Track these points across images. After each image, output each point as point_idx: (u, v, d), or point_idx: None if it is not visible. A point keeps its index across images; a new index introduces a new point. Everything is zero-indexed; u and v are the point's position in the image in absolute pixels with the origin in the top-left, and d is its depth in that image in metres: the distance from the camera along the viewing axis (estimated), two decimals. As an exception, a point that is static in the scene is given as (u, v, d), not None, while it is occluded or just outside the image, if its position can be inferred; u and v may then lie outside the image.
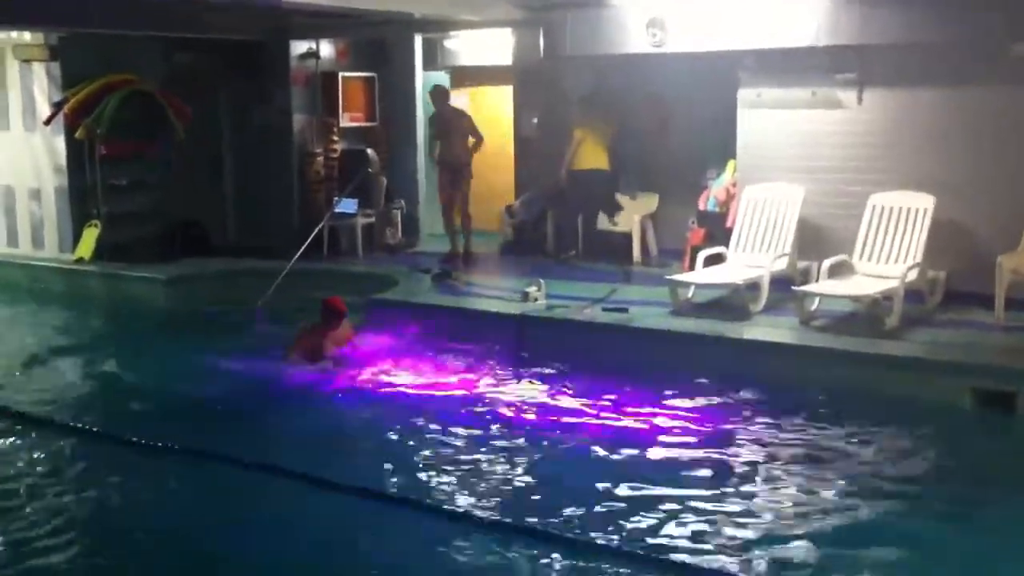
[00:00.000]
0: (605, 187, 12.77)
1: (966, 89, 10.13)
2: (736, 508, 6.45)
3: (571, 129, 12.65)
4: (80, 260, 13.49)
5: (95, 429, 8.18)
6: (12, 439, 8.08)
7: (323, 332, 9.59)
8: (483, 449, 7.50)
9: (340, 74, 14.16)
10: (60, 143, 13.67)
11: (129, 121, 13.23)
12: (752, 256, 10.58)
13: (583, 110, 12.74)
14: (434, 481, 6.99)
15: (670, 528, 6.16)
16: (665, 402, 8.37)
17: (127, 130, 13.26)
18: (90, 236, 13.51)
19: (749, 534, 6.09)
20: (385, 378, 9.19)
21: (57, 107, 13.37)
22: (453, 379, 9.11)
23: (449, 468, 7.19)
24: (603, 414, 8.18)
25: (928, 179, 10.11)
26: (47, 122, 13.61)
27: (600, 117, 12.71)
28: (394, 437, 7.88)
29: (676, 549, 5.89)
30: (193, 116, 13.71)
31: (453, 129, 13.03)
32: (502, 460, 7.29)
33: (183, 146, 13.70)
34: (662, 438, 7.65)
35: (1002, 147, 10.00)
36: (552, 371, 9.20)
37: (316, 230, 12.85)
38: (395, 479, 7.03)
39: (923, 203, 9.92)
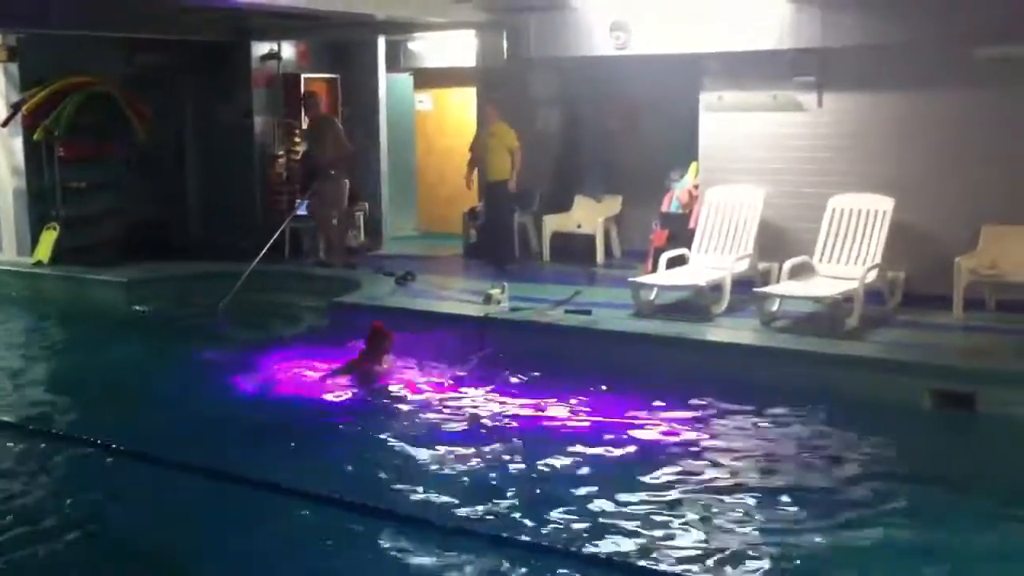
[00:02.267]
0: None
1: (926, 92, 10.23)
2: (696, 510, 6.45)
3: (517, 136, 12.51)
4: (39, 263, 13.33)
5: (52, 431, 8.07)
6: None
7: (372, 357, 9.18)
8: (442, 451, 7.44)
9: (302, 76, 14.09)
10: (18, 144, 13.51)
11: (88, 123, 13.13)
12: (714, 258, 10.63)
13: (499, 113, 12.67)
14: (394, 486, 6.93)
15: (626, 532, 6.13)
16: (627, 404, 8.35)
17: (86, 132, 13.15)
18: (48, 238, 13.36)
19: (708, 536, 6.10)
20: (345, 380, 9.14)
21: (15, 108, 13.23)
22: (415, 381, 9.06)
23: (408, 471, 7.14)
24: (565, 416, 8.16)
25: (888, 181, 10.19)
26: (4, 123, 13.45)
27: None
28: (352, 439, 7.85)
29: (631, 554, 5.87)
30: (155, 118, 13.62)
31: (321, 133, 13.08)
32: (462, 463, 7.23)
33: (144, 148, 13.60)
34: (623, 440, 7.62)
35: (961, 150, 10.10)
36: (514, 373, 9.16)
37: (278, 232, 12.77)
38: (354, 484, 6.97)
39: (883, 205, 10.01)
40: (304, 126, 13.59)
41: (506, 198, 12.60)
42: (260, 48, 13.97)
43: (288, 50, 14.18)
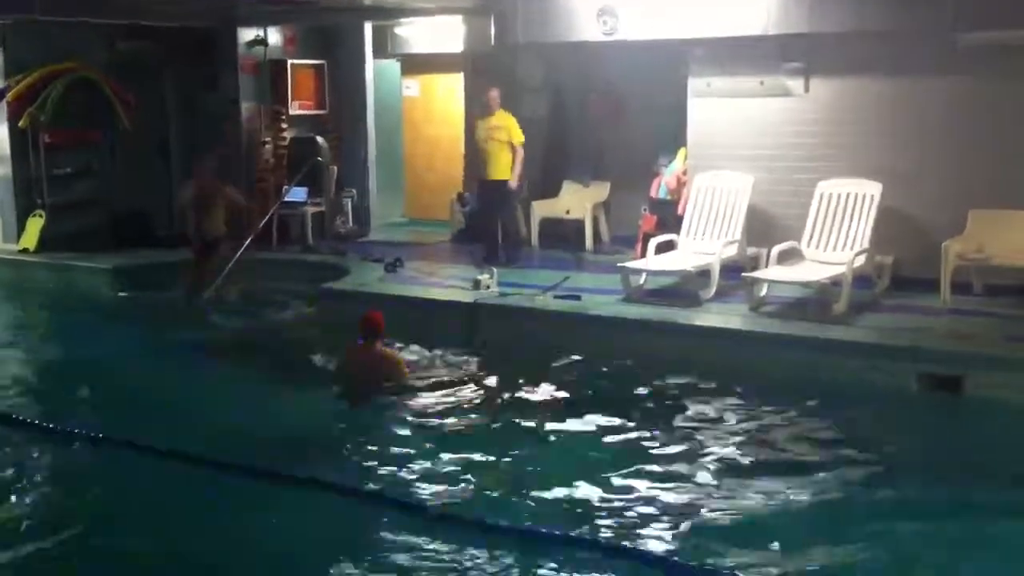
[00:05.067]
0: None
1: (913, 78, 10.24)
2: (684, 493, 6.48)
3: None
4: (25, 250, 13.29)
5: (39, 422, 8.03)
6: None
7: (369, 353, 8.43)
8: (432, 440, 7.45)
9: (289, 61, 14.04)
10: (3, 132, 13.44)
11: (73, 110, 13.06)
12: (703, 243, 10.65)
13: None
14: (387, 473, 6.93)
15: (615, 516, 6.16)
16: (615, 389, 8.39)
17: (71, 119, 13.09)
18: (34, 226, 13.31)
19: (697, 518, 6.14)
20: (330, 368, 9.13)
21: (0, 95, 13.15)
22: (405, 368, 9.03)
23: (398, 459, 7.15)
24: (555, 402, 8.18)
25: (875, 166, 10.22)
26: (-10, 110, 13.40)
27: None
28: (343, 427, 7.87)
29: (628, 537, 5.90)
30: (139, 104, 13.57)
31: (210, 201, 11.55)
32: (451, 452, 7.22)
33: (129, 135, 13.55)
34: (614, 426, 7.64)
35: (948, 135, 10.13)
36: (503, 358, 9.17)
37: (265, 219, 12.74)
38: (345, 471, 6.97)
39: (870, 190, 10.03)
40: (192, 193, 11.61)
41: (512, 198, 11.97)
42: (246, 34, 13.90)
43: (274, 36, 14.11)
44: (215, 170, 11.74)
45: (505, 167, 11.65)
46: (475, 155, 11.89)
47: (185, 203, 11.75)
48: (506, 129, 11.63)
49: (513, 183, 11.71)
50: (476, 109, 12.35)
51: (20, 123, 13.00)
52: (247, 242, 12.02)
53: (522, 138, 11.67)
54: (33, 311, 12.29)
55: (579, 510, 6.27)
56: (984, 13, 9.62)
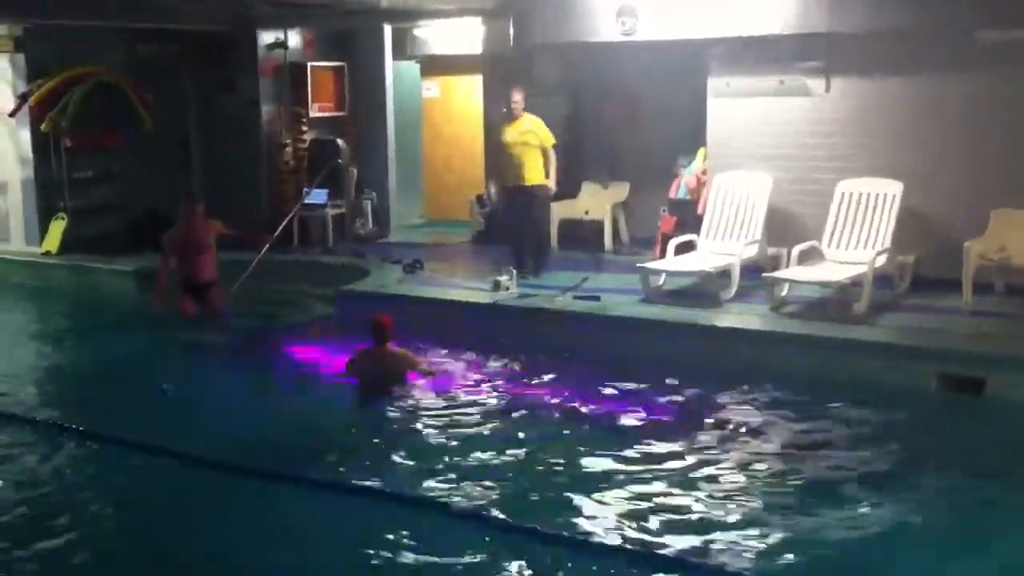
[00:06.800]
0: None
1: (933, 76, 10.19)
2: (704, 495, 6.47)
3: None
4: (47, 253, 13.38)
5: (65, 423, 8.08)
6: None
7: (382, 355, 8.63)
8: (454, 440, 7.46)
9: (309, 64, 14.07)
10: (26, 135, 13.53)
11: (94, 113, 13.13)
12: (722, 243, 10.62)
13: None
14: (411, 473, 6.95)
15: (642, 518, 6.15)
16: (637, 390, 8.37)
17: (92, 122, 13.16)
18: (57, 229, 13.40)
19: (716, 520, 6.12)
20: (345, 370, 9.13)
21: (22, 99, 13.25)
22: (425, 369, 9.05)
23: (419, 459, 7.16)
24: (574, 403, 8.18)
25: (896, 165, 10.17)
26: (12, 114, 13.48)
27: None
28: (363, 428, 7.88)
29: (648, 540, 5.89)
30: (160, 107, 13.62)
31: (199, 246, 11.07)
32: (474, 451, 7.25)
33: (150, 138, 13.61)
34: (634, 426, 7.65)
35: (969, 133, 10.06)
36: (523, 359, 9.18)
37: (286, 221, 12.79)
38: (368, 472, 6.99)
39: (892, 189, 9.98)
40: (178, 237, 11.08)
41: (547, 203, 11.55)
42: (266, 37, 13.93)
43: (294, 39, 14.14)
44: (206, 211, 11.16)
45: (537, 172, 11.19)
46: (504, 159, 11.40)
47: (169, 250, 11.08)
48: (536, 133, 11.21)
49: (552, 186, 11.31)
50: (500, 114, 11.90)
51: (42, 127, 13.08)
52: (268, 243, 12.07)
53: (553, 140, 11.27)
54: (56, 313, 12.37)
55: (593, 511, 6.26)
56: (1002, 12, 9.58)
